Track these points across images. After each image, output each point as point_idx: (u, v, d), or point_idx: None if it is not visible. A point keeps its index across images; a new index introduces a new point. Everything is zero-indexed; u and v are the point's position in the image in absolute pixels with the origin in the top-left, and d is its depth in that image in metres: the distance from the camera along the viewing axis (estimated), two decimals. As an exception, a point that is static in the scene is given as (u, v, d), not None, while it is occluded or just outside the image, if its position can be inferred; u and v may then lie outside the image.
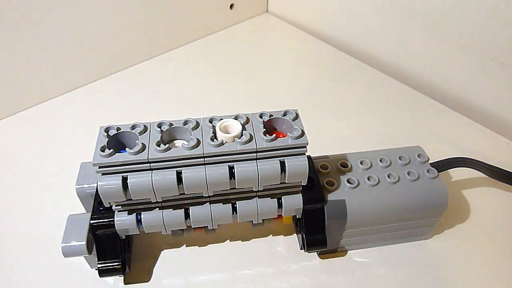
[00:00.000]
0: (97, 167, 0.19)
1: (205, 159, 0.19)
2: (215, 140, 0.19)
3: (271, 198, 0.21)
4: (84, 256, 0.20)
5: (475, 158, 0.26)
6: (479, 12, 0.32)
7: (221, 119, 0.20)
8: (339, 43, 0.44)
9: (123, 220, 0.21)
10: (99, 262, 0.21)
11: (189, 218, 0.21)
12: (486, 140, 0.32)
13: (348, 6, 0.42)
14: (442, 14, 0.34)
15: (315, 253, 0.24)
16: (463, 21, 0.33)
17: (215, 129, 0.20)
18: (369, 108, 0.36)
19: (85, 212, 0.23)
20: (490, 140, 0.32)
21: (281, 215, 0.22)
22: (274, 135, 0.19)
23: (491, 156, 0.27)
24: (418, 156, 0.24)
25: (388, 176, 0.23)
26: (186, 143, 0.19)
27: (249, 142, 0.19)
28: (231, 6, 0.46)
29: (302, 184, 0.21)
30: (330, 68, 0.41)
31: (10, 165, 0.31)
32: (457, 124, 0.34)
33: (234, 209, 0.21)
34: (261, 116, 0.20)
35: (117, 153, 0.19)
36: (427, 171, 0.23)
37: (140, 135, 0.20)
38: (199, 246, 0.25)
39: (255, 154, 0.19)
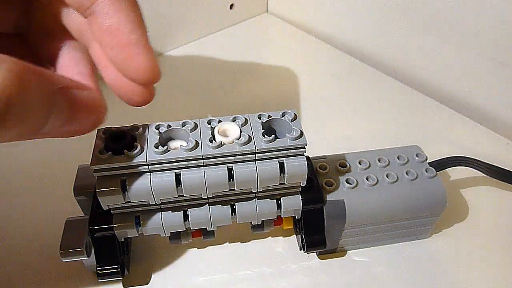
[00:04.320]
0: (95, 170, 0.18)
1: (204, 160, 0.19)
2: (213, 141, 0.19)
3: (270, 199, 0.21)
4: (83, 259, 0.20)
5: (473, 157, 0.26)
6: (479, 12, 0.32)
7: (220, 121, 0.20)
8: (339, 43, 0.44)
9: (121, 223, 0.21)
10: (98, 265, 0.21)
11: (188, 220, 0.21)
12: (486, 140, 0.32)
13: (348, 6, 0.42)
14: (442, 14, 0.34)
15: (315, 253, 0.24)
16: (463, 21, 0.33)
17: (213, 131, 0.20)
18: (369, 108, 0.36)
19: (83, 215, 0.22)
20: (490, 140, 0.32)
21: (281, 216, 0.22)
22: (272, 136, 0.19)
23: (491, 156, 0.27)
24: (416, 155, 0.24)
25: (387, 176, 0.23)
26: (185, 145, 0.19)
27: (247, 143, 0.19)
28: (231, 6, 0.45)
29: (301, 185, 0.21)
30: (330, 68, 0.40)
31: (6, 167, 0.30)
32: (457, 124, 0.34)
33: (233, 210, 0.21)
34: (259, 117, 0.20)
35: (115, 156, 0.18)
36: (426, 171, 0.23)
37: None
38: (198, 248, 0.25)
39: (254, 155, 0.19)
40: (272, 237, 0.25)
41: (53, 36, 0.19)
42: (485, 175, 0.27)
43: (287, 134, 0.19)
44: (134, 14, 0.16)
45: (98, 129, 0.20)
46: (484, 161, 0.26)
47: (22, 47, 0.19)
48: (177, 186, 0.19)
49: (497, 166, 0.26)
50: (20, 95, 0.12)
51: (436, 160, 0.25)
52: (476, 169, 0.26)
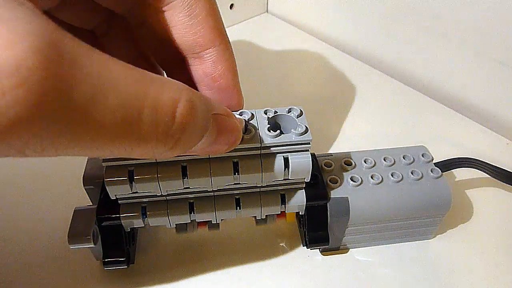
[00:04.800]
0: (104, 160, 0.19)
1: (210, 154, 0.19)
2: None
3: (275, 194, 0.22)
4: (90, 248, 0.21)
5: (479, 159, 0.26)
6: (479, 12, 0.32)
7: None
8: (339, 43, 0.44)
9: (128, 213, 0.21)
10: (104, 253, 0.22)
11: (194, 212, 0.21)
12: (486, 140, 0.32)
13: (349, 6, 0.42)
14: (442, 14, 0.34)
15: (318, 250, 0.25)
16: (463, 21, 0.33)
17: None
18: (370, 108, 0.36)
19: (91, 204, 0.23)
20: (490, 140, 0.32)
21: (284, 211, 0.22)
22: (278, 131, 0.19)
23: (491, 156, 0.27)
24: (422, 155, 0.24)
25: (392, 175, 0.23)
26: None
27: (253, 138, 0.19)
28: (231, 6, 0.45)
29: (306, 181, 0.21)
30: (330, 68, 0.40)
31: (13, 162, 0.31)
32: (457, 124, 0.34)
33: (237, 204, 0.22)
34: (265, 112, 0.20)
35: (123, 147, 0.19)
36: (431, 171, 0.23)
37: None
38: (202, 241, 0.25)
39: (259, 150, 0.19)
40: (275, 232, 0.26)
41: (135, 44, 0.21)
42: (490, 177, 0.26)
43: (292, 130, 0.19)
44: (234, 64, 0.18)
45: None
46: (490, 163, 0.26)
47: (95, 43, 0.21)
48: (183, 178, 0.19)
49: (503, 169, 0.26)
50: (191, 122, 0.13)
51: (442, 161, 0.25)
52: (482, 171, 0.26)
